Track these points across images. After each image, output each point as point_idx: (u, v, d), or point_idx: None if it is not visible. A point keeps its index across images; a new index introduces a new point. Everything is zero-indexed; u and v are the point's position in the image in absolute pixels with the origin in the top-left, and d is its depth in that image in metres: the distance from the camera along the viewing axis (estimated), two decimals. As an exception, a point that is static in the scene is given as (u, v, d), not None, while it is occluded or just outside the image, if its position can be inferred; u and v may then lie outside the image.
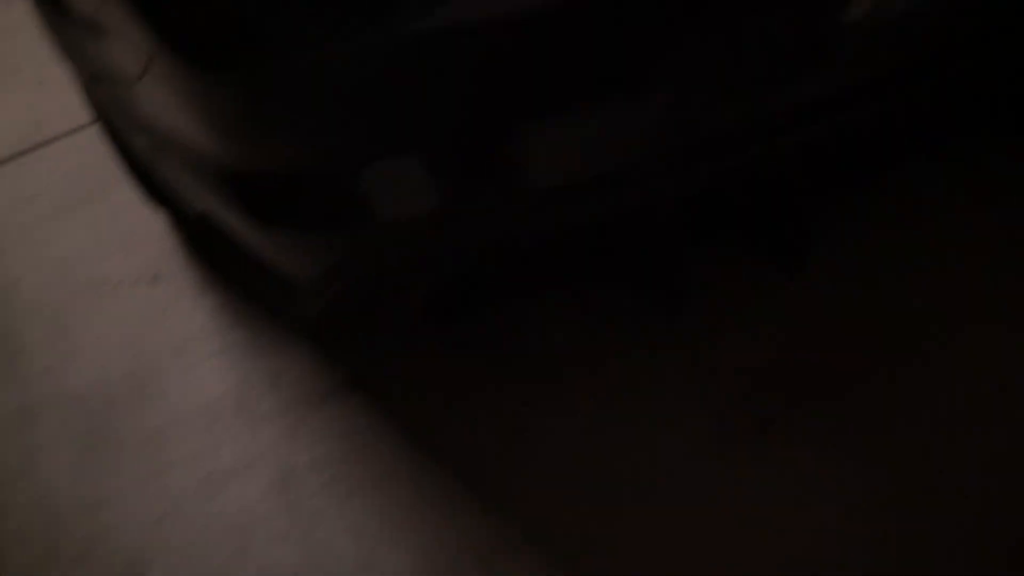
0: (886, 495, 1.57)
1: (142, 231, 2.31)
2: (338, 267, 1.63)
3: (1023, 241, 1.89)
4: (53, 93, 2.69)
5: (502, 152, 1.43)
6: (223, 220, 1.83)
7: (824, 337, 1.79)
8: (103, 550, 1.69)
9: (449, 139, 1.43)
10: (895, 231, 1.93)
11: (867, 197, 1.99)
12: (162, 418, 1.88)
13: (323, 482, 1.73)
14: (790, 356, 1.78)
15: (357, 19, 1.29)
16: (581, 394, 1.78)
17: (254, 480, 1.76)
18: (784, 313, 1.84)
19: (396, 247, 1.55)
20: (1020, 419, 1.64)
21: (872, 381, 1.72)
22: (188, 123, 1.50)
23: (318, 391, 1.87)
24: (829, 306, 1.84)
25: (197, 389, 1.92)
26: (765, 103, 1.46)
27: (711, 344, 1.81)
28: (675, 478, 1.64)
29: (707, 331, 1.83)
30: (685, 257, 1.55)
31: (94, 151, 2.48)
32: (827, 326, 1.81)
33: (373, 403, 1.84)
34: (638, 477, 1.66)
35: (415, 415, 1.80)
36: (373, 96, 1.37)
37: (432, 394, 1.82)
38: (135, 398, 1.93)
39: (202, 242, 2.24)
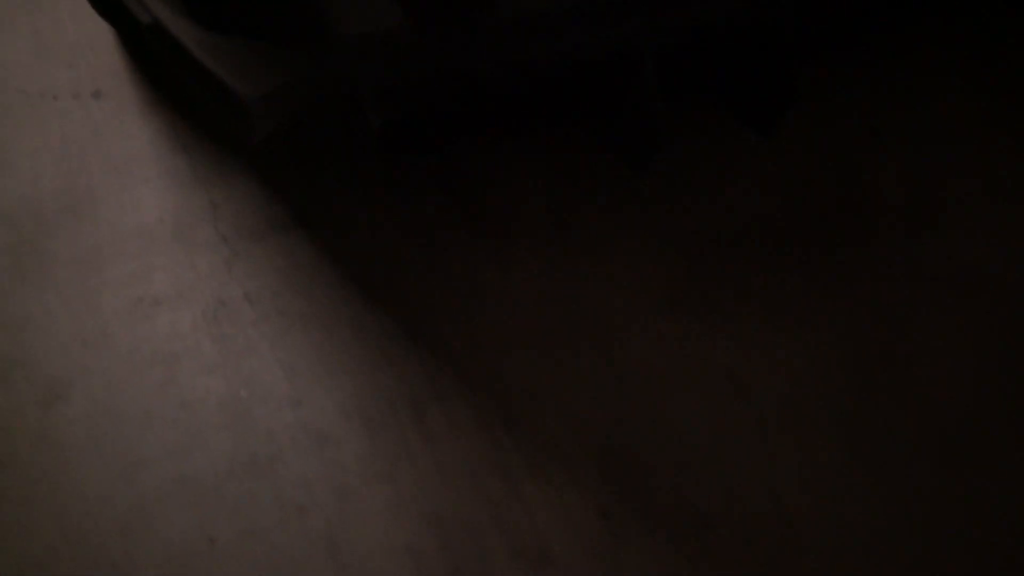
0: (848, 362, 1.53)
1: (86, 44, 2.17)
2: (289, 86, 1.52)
3: (1005, 127, 1.80)
4: None
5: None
6: (173, 29, 1.70)
7: (794, 207, 1.72)
8: (24, 370, 1.63)
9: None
10: (877, 110, 1.85)
11: (847, 72, 1.89)
12: (94, 239, 1.79)
13: (257, 316, 1.66)
14: (756, 223, 1.71)
15: None
16: (538, 251, 1.70)
17: (186, 309, 1.68)
18: (754, 180, 1.76)
19: (353, 68, 1.44)
20: (996, 295, 1.59)
21: (835, 253, 1.66)
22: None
23: (259, 224, 1.78)
24: (803, 177, 1.76)
25: (133, 212, 1.82)
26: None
27: (675, 206, 1.73)
28: (628, 341, 1.59)
29: (673, 193, 1.75)
30: (658, 113, 1.45)
31: (38, -45, 2.31)
32: (798, 196, 1.73)
33: (316, 240, 1.75)
34: (588, 338, 1.60)
35: (360, 257, 1.72)
36: None
37: (381, 238, 1.74)
38: (67, 216, 1.83)
39: (149, 60, 2.10)
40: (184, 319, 1.67)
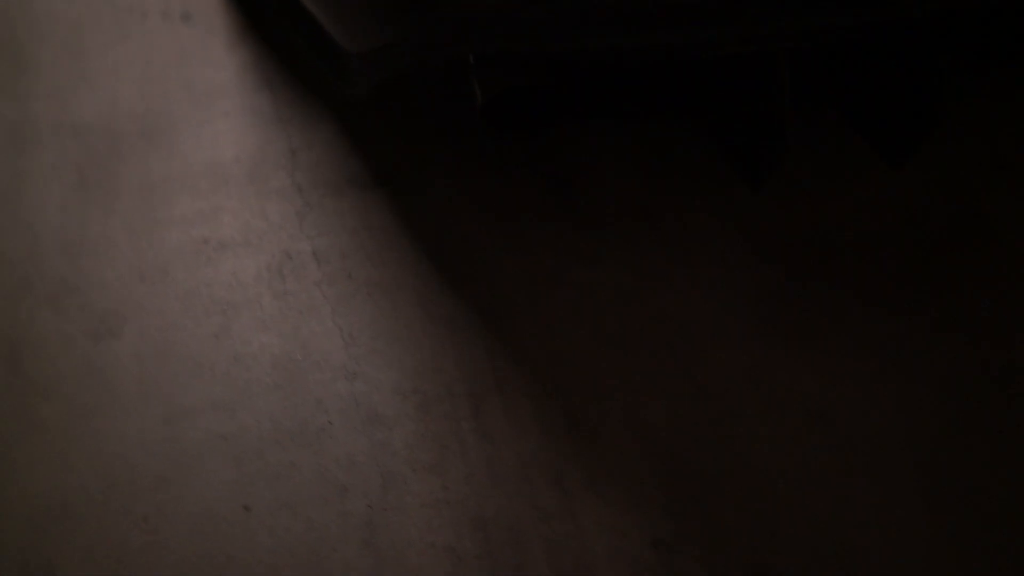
0: (944, 411, 1.42)
1: (182, -38, 2.09)
2: (394, 46, 1.43)
3: None
4: None
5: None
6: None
7: (904, 234, 1.60)
8: (79, 296, 1.57)
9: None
10: (1007, 141, 1.72)
11: (976, 96, 1.76)
12: (166, 170, 1.73)
13: (324, 276, 1.59)
14: (862, 246, 1.59)
15: None
16: (628, 246, 1.61)
17: (251, 258, 1.61)
18: (865, 199, 1.64)
19: (464, 36, 1.35)
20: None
21: (943, 291, 1.55)
22: None
23: (337, 178, 1.71)
24: (918, 203, 1.64)
25: (209, 147, 1.75)
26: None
27: (776, 217, 1.63)
28: (711, 357, 1.49)
29: (776, 203, 1.64)
30: (787, 123, 1.34)
31: None
32: (911, 223, 1.62)
33: (394, 204, 1.67)
34: (668, 346, 1.51)
35: (438, 229, 1.64)
36: None
37: (466, 211, 1.65)
38: (142, 141, 1.77)
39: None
40: (248, 269, 1.60)
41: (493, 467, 1.41)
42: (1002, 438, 1.41)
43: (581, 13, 1.29)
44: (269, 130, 1.77)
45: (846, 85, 1.43)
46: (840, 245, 1.60)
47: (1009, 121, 1.75)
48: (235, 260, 1.61)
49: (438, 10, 1.30)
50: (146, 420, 1.45)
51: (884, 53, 1.36)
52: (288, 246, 1.62)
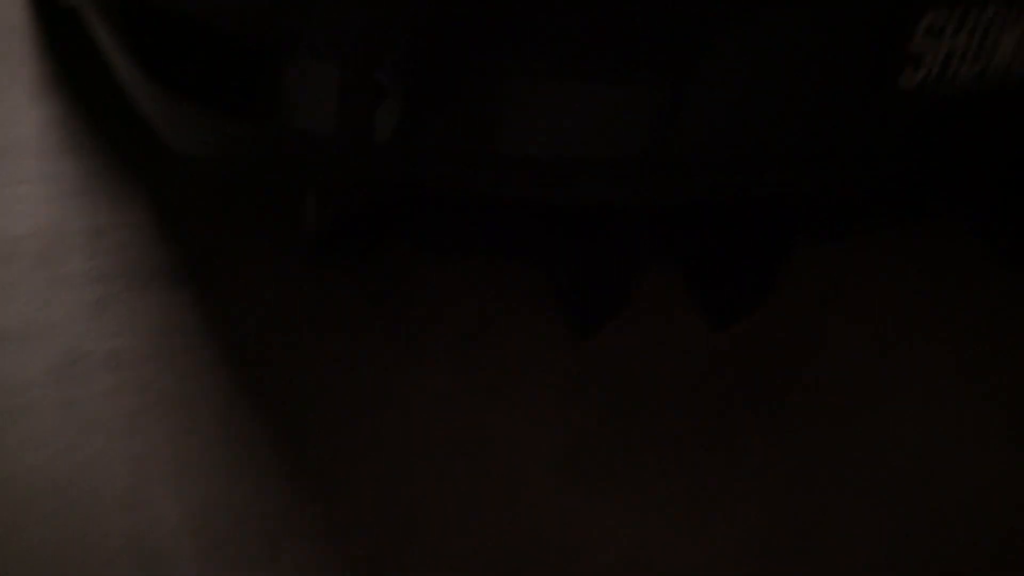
0: (758, 559, 1.40)
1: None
2: (225, 158, 1.31)
3: (962, 320, 1.72)
4: None
5: (467, 103, 1.13)
6: (109, 55, 1.45)
7: (716, 388, 1.59)
8: None
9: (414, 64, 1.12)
10: (839, 283, 1.74)
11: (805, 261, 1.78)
12: (-57, 239, 1.53)
13: (116, 383, 1.43)
14: (676, 399, 1.57)
15: None
16: (453, 367, 1.53)
17: (34, 355, 1.43)
18: (687, 352, 1.62)
19: (299, 162, 1.24)
20: (916, 512, 1.49)
21: (758, 439, 1.53)
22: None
23: (144, 268, 1.55)
24: (736, 358, 1.63)
25: (-3, 217, 1.56)
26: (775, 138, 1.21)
27: (602, 349, 1.58)
28: (527, 501, 1.42)
29: (603, 333, 1.60)
30: (631, 278, 1.31)
31: None
32: (723, 378, 1.60)
33: (206, 305, 1.53)
34: (471, 486, 1.42)
35: (253, 338, 1.51)
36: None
37: (285, 320, 1.53)
38: (-83, 202, 1.56)
39: (59, 29, 1.83)
40: (28, 367, 1.42)
41: (284, 625, 1.29)
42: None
43: (424, 154, 1.20)
44: (71, 203, 1.59)
45: (683, 250, 1.40)
46: (656, 388, 1.57)
47: (842, 261, 1.78)
48: (12, 356, 1.43)
49: (278, 138, 1.19)
50: None
51: (725, 227, 1.34)
52: (80, 345, 1.45)
